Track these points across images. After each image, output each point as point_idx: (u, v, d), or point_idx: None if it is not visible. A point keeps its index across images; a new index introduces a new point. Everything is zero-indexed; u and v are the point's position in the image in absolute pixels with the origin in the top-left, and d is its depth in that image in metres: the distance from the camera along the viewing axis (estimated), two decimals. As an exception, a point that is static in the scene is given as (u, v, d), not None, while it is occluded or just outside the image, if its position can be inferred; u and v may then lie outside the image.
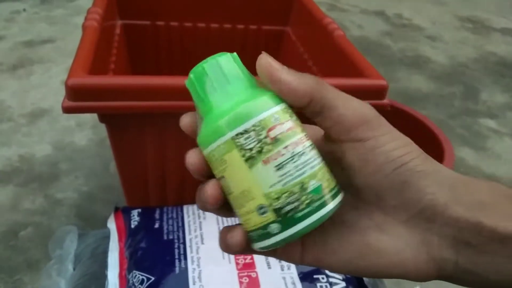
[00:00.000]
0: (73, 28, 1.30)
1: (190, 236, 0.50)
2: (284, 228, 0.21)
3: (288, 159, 0.20)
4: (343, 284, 0.48)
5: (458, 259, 0.20)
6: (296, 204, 0.20)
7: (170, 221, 0.53)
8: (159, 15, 0.75)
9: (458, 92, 1.21)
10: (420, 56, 1.39)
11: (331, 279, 0.47)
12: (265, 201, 0.21)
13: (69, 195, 0.72)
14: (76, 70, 0.43)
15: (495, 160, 0.94)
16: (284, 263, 0.48)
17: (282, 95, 0.21)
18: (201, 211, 0.54)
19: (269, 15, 0.78)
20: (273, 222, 0.21)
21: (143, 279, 0.45)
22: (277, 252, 0.23)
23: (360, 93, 0.53)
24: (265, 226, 0.21)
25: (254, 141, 0.20)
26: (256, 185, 0.21)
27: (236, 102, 0.21)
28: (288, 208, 0.20)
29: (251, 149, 0.20)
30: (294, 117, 0.22)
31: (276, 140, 0.20)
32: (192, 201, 0.57)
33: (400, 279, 0.21)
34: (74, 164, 0.79)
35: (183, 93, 0.45)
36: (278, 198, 0.20)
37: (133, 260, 0.48)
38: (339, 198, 0.22)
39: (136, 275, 0.46)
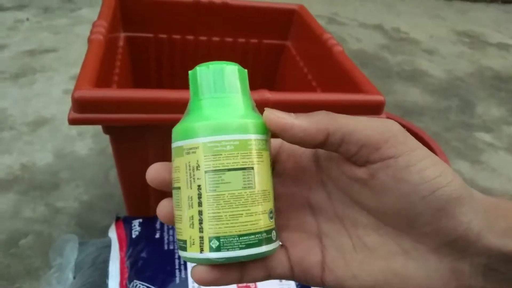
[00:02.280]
0: (75, 37, 1.31)
1: (190, 247, 0.51)
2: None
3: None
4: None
5: (486, 285, 0.20)
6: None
7: (171, 231, 0.53)
8: (161, 28, 0.77)
9: (454, 105, 1.23)
10: (417, 70, 1.42)
11: (328, 291, 0.48)
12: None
13: (70, 203, 0.73)
14: (82, 83, 0.44)
15: (490, 173, 0.95)
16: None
17: (299, 141, 0.20)
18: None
19: (270, 29, 0.80)
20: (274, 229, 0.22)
21: (143, 289, 0.46)
22: (295, 275, 0.22)
23: (358, 108, 0.55)
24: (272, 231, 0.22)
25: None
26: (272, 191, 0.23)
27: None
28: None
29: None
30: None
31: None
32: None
33: None
34: (74, 173, 0.80)
35: (186, 106, 0.47)
36: None
37: (134, 269, 0.49)
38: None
39: (137, 285, 0.47)
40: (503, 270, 0.19)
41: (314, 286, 0.22)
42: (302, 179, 0.23)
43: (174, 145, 0.22)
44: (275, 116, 0.20)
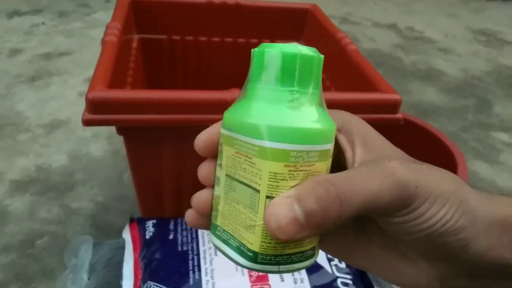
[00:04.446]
0: (90, 40, 1.33)
1: (204, 248, 0.51)
2: None
3: None
4: (356, 298, 0.48)
5: (473, 283, 0.21)
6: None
7: (185, 232, 0.53)
8: (175, 30, 0.77)
9: (471, 105, 1.21)
10: (433, 69, 1.39)
11: (344, 293, 0.48)
12: None
13: (85, 205, 0.74)
14: (96, 84, 0.44)
15: (510, 174, 0.93)
16: (297, 276, 0.48)
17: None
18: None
19: (283, 29, 0.79)
20: None
21: (157, 290, 0.46)
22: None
23: (373, 107, 0.54)
24: None
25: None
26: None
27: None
28: None
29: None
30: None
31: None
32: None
33: None
34: (89, 174, 0.80)
35: (200, 107, 0.46)
36: None
37: (148, 271, 0.49)
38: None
39: (150, 286, 0.46)
40: (489, 275, 0.20)
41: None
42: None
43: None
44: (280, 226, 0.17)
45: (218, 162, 0.20)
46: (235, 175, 0.20)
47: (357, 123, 0.22)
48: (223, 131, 0.20)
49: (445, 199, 0.18)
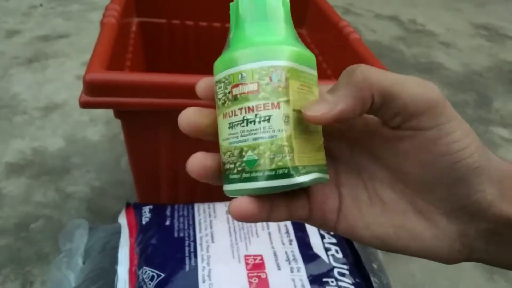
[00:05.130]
0: (88, 23, 1.31)
1: (200, 234, 0.50)
2: (224, 182, 0.21)
3: (238, 121, 0.20)
4: (352, 288, 0.47)
5: (488, 248, 0.21)
6: (231, 166, 0.20)
7: (181, 219, 0.53)
8: (175, 14, 0.75)
9: (471, 99, 1.20)
10: (433, 62, 1.39)
11: (340, 283, 0.47)
12: (220, 151, 0.21)
13: (81, 189, 0.73)
14: (94, 66, 0.43)
15: (507, 170, 0.93)
16: (294, 265, 0.48)
17: (347, 121, 0.20)
18: (212, 210, 0.54)
19: (285, 16, 0.78)
20: (221, 172, 0.21)
21: (153, 276, 0.45)
22: (312, 218, 0.23)
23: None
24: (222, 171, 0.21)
25: (222, 93, 0.21)
26: (219, 131, 0.21)
27: (234, 46, 0.21)
28: (226, 166, 0.21)
29: (219, 99, 0.21)
30: (275, 83, 0.20)
31: (235, 99, 0.20)
32: (203, 200, 0.57)
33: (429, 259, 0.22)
34: (86, 159, 0.79)
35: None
36: (224, 153, 0.21)
37: (144, 256, 0.48)
38: (284, 181, 0.20)
39: (146, 271, 0.46)
40: (507, 234, 0.20)
41: (327, 230, 0.23)
42: (324, 128, 0.23)
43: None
44: (315, 113, 0.19)
45: (284, 99, 0.20)
46: (302, 106, 0.20)
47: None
48: (291, 64, 0.20)
49: (468, 130, 0.19)
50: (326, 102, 0.19)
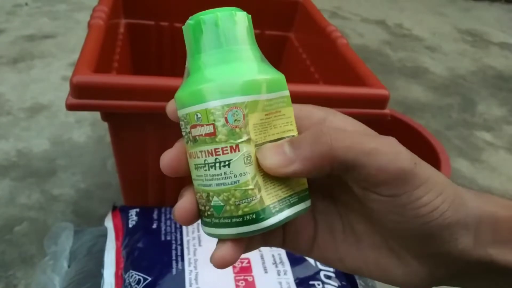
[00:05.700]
0: (74, 24, 1.30)
1: (187, 238, 0.50)
2: (200, 220, 0.20)
3: (201, 164, 0.19)
4: (338, 291, 0.48)
5: (462, 283, 0.21)
6: (202, 208, 0.20)
7: (168, 222, 0.53)
8: (163, 16, 0.75)
9: (456, 103, 1.22)
10: (419, 67, 1.41)
11: (326, 286, 0.48)
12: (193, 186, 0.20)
13: (66, 191, 0.72)
14: (81, 68, 0.43)
15: (490, 173, 0.95)
16: (281, 268, 0.48)
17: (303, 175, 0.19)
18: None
19: (273, 20, 0.78)
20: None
21: (139, 279, 0.45)
22: (286, 246, 0.23)
23: (361, 102, 0.54)
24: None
25: (184, 132, 0.20)
26: (190, 168, 0.20)
27: (191, 80, 0.19)
28: (200, 207, 0.20)
29: (183, 137, 0.20)
30: (230, 124, 0.18)
31: (195, 140, 0.19)
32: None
33: None
34: (71, 161, 0.79)
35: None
36: (196, 193, 0.20)
37: (130, 259, 0.48)
38: (253, 227, 0.19)
39: (132, 275, 0.46)
40: (480, 272, 0.20)
41: (302, 255, 0.24)
42: None
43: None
44: (270, 166, 0.18)
45: (243, 139, 0.19)
46: (266, 139, 0.19)
47: (341, 114, 0.22)
48: (249, 98, 0.19)
49: (441, 188, 0.19)
50: (283, 155, 0.18)
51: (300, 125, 0.21)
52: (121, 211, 0.56)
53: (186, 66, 0.21)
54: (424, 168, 0.19)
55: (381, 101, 0.52)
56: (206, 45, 0.19)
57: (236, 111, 0.18)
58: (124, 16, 0.73)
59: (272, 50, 0.81)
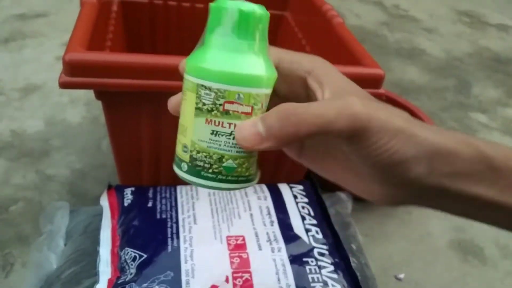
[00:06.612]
0: (67, 2, 1.27)
1: (183, 216, 0.51)
2: (189, 173, 0.24)
3: (225, 133, 0.23)
4: (332, 268, 0.49)
5: (420, 201, 0.24)
6: (206, 166, 0.24)
7: (163, 201, 0.53)
8: (157, -6, 0.74)
9: (451, 85, 1.22)
10: (416, 48, 1.40)
11: (320, 263, 0.49)
12: (190, 145, 0.24)
13: (61, 171, 0.72)
14: (74, 46, 0.43)
15: (484, 154, 0.95)
16: (275, 246, 0.49)
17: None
18: (194, 192, 0.55)
19: (269, -1, 0.77)
20: (186, 162, 0.24)
21: (135, 256, 0.46)
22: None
23: (356, 81, 0.54)
24: (180, 160, 0.25)
25: (209, 101, 0.22)
26: (191, 129, 0.23)
27: (228, 59, 0.22)
28: (199, 163, 0.24)
29: (204, 104, 0.23)
30: (261, 108, 0.23)
31: (226, 113, 0.22)
32: (185, 182, 0.57)
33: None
34: (66, 141, 0.78)
35: (180, 74, 0.45)
36: (198, 152, 0.23)
37: (126, 237, 0.48)
38: (241, 185, 0.24)
39: (128, 252, 0.46)
40: (431, 196, 0.23)
41: (292, 157, 0.28)
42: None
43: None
44: (245, 143, 0.22)
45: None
46: None
47: (326, 67, 0.25)
48: (269, 90, 0.24)
49: (393, 134, 0.21)
50: (256, 132, 0.22)
51: (291, 72, 0.25)
52: (116, 190, 0.56)
53: (205, 37, 0.24)
54: (380, 119, 0.21)
55: (376, 81, 0.52)
56: (260, 35, 0.24)
57: (267, 100, 0.24)
58: (117, -6, 0.72)
59: (268, 29, 0.80)
